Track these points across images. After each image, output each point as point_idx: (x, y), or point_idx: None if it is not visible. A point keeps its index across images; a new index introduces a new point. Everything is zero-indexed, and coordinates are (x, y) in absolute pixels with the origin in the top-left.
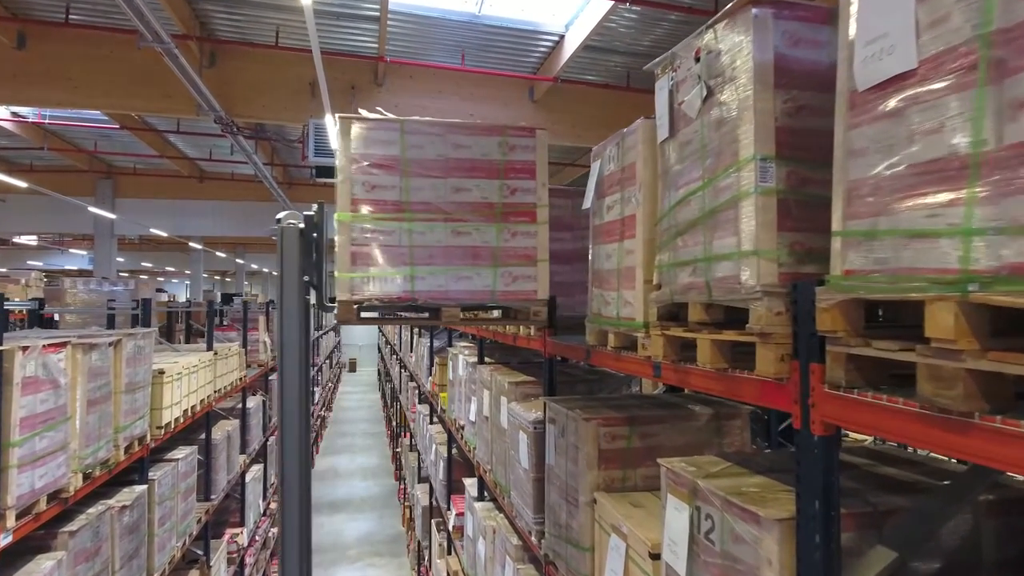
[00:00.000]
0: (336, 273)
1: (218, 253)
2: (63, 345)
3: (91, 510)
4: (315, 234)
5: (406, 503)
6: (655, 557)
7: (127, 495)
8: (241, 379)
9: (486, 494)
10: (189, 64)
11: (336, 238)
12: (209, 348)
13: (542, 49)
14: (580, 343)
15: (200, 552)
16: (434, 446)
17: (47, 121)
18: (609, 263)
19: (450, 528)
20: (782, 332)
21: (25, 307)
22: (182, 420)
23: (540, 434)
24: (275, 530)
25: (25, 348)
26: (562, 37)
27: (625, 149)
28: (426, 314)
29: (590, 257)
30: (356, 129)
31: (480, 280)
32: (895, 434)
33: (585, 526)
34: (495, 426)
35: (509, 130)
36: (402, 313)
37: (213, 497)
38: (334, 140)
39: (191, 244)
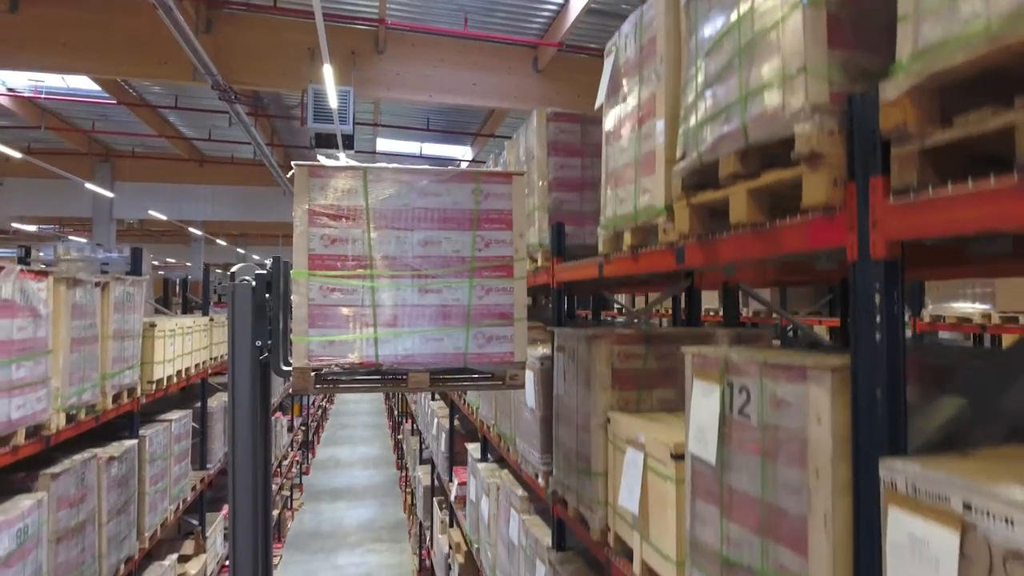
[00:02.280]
0: (292, 336)
1: (219, 241)
2: (44, 275)
3: (76, 456)
4: (268, 294)
5: (407, 489)
6: (678, 458)
7: (115, 448)
8: None
9: (489, 455)
10: (186, 25)
11: (292, 298)
12: (205, 314)
13: (546, 13)
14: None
15: (196, 523)
16: (435, 420)
17: (43, 96)
18: (624, 157)
19: (452, 499)
20: (834, 153)
21: (6, 255)
22: (175, 380)
23: (547, 371)
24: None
25: (1, 268)
26: (567, 0)
27: (644, 26)
28: (391, 380)
29: (603, 162)
30: (314, 177)
31: (451, 342)
32: (984, 221)
33: (597, 450)
34: None
35: (483, 176)
36: (364, 380)
37: (209, 466)
38: (333, 99)
39: (191, 230)
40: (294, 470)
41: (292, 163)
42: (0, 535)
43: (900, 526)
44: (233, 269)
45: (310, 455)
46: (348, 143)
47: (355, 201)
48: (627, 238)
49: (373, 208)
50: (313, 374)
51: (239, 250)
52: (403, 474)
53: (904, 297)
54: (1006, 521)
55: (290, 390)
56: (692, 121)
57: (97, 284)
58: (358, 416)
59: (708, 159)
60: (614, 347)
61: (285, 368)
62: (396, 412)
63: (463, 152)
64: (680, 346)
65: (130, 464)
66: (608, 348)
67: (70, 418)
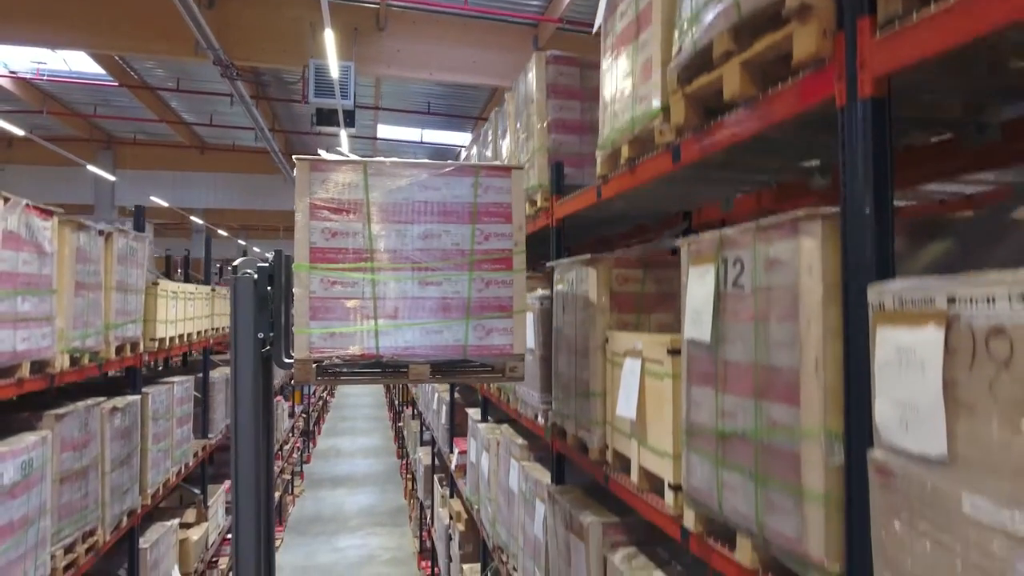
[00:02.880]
0: (294, 329)
1: (220, 231)
2: (49, 214)
3: (80, 402)
4: (269, 287)
5: (408, 476)
6: (674, 352)
7: (119, 400)
8: None
9: (489, 417)
10: None
11: (294, 290)
12: (207, 283)
13: None
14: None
15: (197, 492)
16: (436, 395)
17: (45, 78)
18: (622, 72)
19: (452, 469)
20: (822, 5)
21: None
22: (178, 344)
23: (547, 310)
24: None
25: (6, 199)
26: None
27: None
28: (392, 372)
29: (601, 88)
30: (315, 171)
31: (451, 334)
32: (964, 32)
33: (596, 371)
34: None
35: (483, 170)
36: (365, 372)
37: (211, 436)
38: (335, 67)
39: (193, 219)
40: (295, 456)
41: (293, 157)
42: (6, 464)
43: (887, 343)
44: (235, 263)
45: (311, 445)
46: (349, 120)
47: (356, 195)
48: (624, 151)
49: (374, 202)
50: (315, 366)
51: (240, 242)
52: (404, 462)
53: (892, 140)
54: (988, 301)
55: (292, 382)
56: (687, 13)
57: (101, 232)
58: (359, 408)
59: (702, 44)
60: (612, 270)
61: (287, 360)
62: (397, 402)
63: (464, 139)
64: (676, 271)
65: (133, 417)
66: (607, 271)
67: (74, 361)
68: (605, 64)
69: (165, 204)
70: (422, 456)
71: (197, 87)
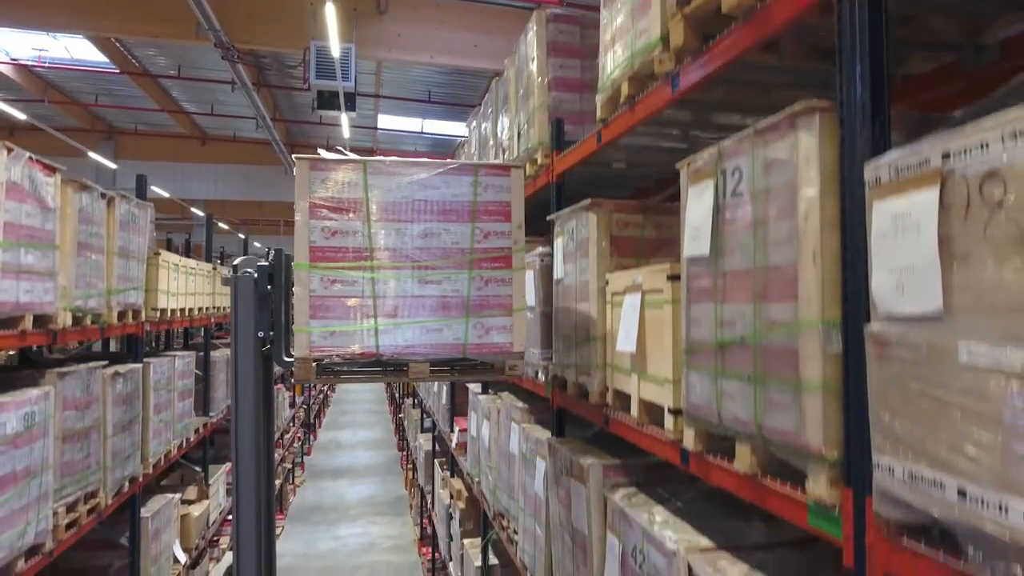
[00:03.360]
0: (294, 327)
1: (220, 224)
2: (52, 170)
3: (82, 365)
4: (269, 286)
5: (408, 466)
6: (674, 278)
7: (121, 367)
8: None
9: (490, 390)
10: None
11: (294, 289)
12: (208, 261)
13: None
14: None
15: (199, 470)
16: None
17: (46, 66)
18: (622, 12)
19: (453, 448)
20: None
21: None
22: (179, 316)
23: (547, 267)
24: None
25: (10, 150)
26: None
27: None
28: (391, 370)
29: (601, 32)
30: (315, 171)
31: (450, 332)
32: None
33: (596, 315)
34: None
35: (482, 169)
36: (365, 370)
37: (212, 414)
38: (336, 46)
39: (193, 210)
40: (296, 446)
41: (293, 156)
42: (9, 414)
43: (883, 214)
44: (235, 262)
45: (312, 437)
46: (350, 104)
47: (355, 193)
48: (624, 89)
49: (373, 200)
50: (315, 364)
51: (240, 235)
52: (404, 454)
53: (890, 30)
54: (981, 147)
55: (292, 380)
56: None
57: (103, 195)
58: (359, 403)
59: None
60: (612, 215)
61: (287, 359)
62: (397, 395)
63: (465, 130)
64: (676, 218)
65: (134, 384)
66: (607, 216)
67: (76, 320)
68: (605, 12)
69: (166, 195)
70: (422, 442)
71: (198, 74)
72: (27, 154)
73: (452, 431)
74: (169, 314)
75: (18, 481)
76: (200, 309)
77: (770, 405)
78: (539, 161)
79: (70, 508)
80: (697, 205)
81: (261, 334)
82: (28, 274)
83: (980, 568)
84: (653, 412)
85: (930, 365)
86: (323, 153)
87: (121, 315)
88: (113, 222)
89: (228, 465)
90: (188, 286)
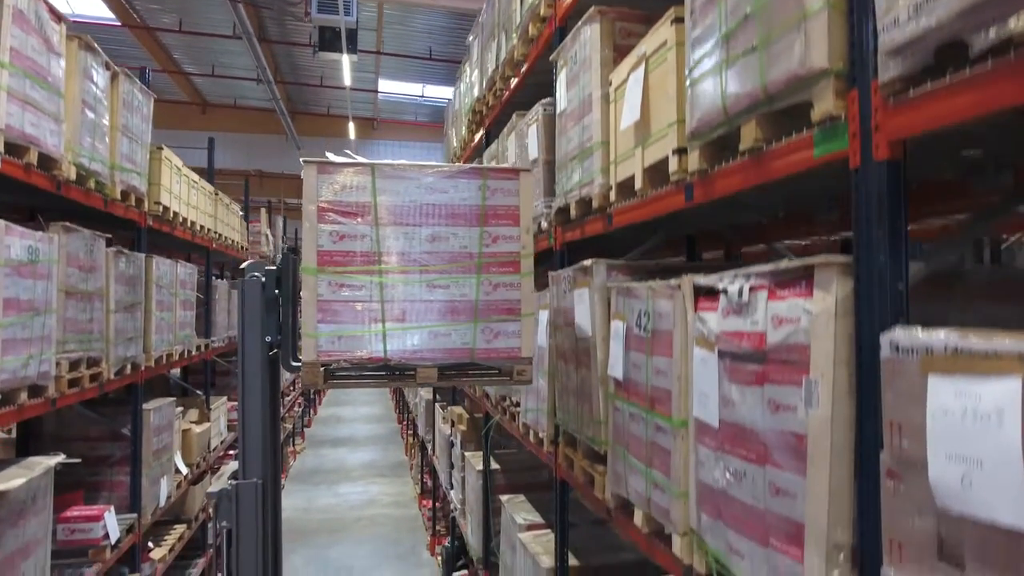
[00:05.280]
0: (302, 332)
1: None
2: (60, 18)
3: (86, 230)
4: (277, 290)
5: (408, 433)
6: (678, 21)
7: (124, 250)
8: (242, 248)
9: None
10: None
11: (302, 293)
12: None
13: None
14: None
15: (200, 393)
16: None
17: None
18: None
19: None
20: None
21: None
22: (180, 226)
23: (550, 116)
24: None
25: None
26: None
27: None
28: (399, 375)
29: None
30: (323, 174)
31: (458, 337)
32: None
33: (597, 123)
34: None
35: (490, 173)
36: (373, 375)
37: (214, 339)
38: None
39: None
40: (296, 409)
41: (301, 159)
42: (13, 239)
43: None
44: (243, 266)
45: (312, 412)
46: (351, 46)
47: (363, 197)
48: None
49: (381, 204)
50: (322, 369)
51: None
52: (403, 425)
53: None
54: None
55: (301, 384)
56: None
57: (107, 67)
58: None
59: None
60: (615, 23)
61: (294, 363)
62: None
63: None
64: None
65: (137, 269)
66: (609, 24)
67: (80, 179)
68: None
69: None
70: (422, 394)
71: (199, 28)
72: None
73: None
74: (172, 216)
75: (22, 310)
76: (202, 227)
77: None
78: (541, 12)
79: (73, 366)
80: (704, 371)
81: (268, 338)
82: (34, 108)
83: None
84: (658, 173)
85: None
86: (331, 156)
87: (124, 195)
88: (117, 98)
89: (232, 405)
90: (191, 197)
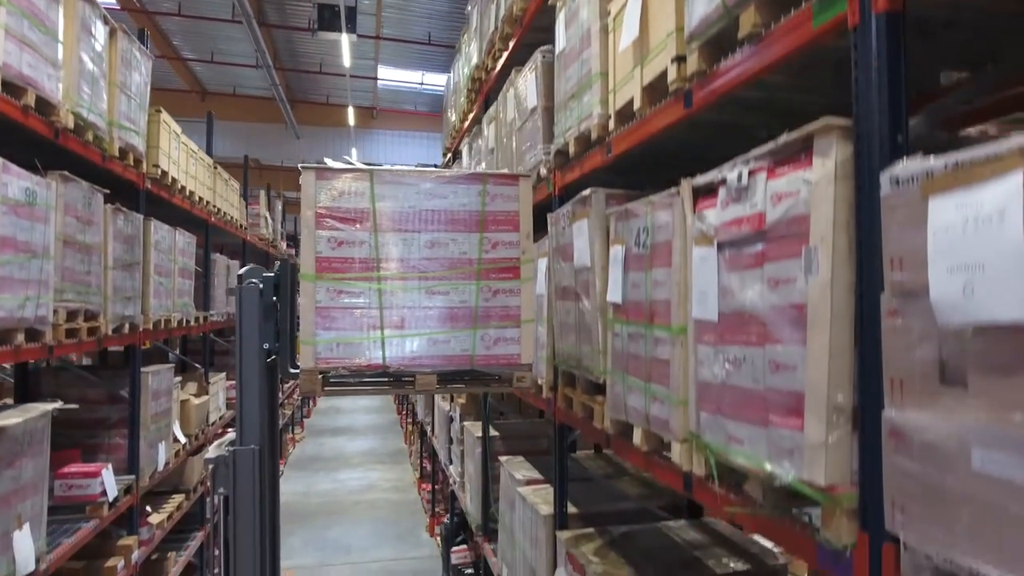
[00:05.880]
0: (300, 339)
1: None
2: None
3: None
4: (275, 297)
5: (407, 421)
6: None
7: (122, 208)
8: (241, 226)
9: None
10: None
11: (300, 300)
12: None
13: None
14: None
15: (199, 366)
16: None
17: None
18: None
19: None
20: None
21: None
22: (179, 194)
23: (548, 63)
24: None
25: None
26: None
27: None
28: (398, 382)
29: None
30: (321, 180)
31: (458, 344)
32: None
33: (594, 60)
34: (509, 136)
35: (490, 178)
36: (372, 382)
37: (212, 312)
38: None
39: None
40: (295, 397)
41: (299, 165)
42: (11, 177)
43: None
44: (240, 272)
45: (312, 403)
46: (351, 25)
47: (362, 203)
48: None
49: (380, 210)
50: (320, 376)
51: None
52: (402, 415)
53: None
54: None
55: (299, 392)
56: None
57: (105, 21)
58: None
59: None
60: None
61: (292, 370)
62: None
63: None
64: None
65: (135, 229)
66: None
67: (79, 130)
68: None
69: None
70: None
71: (198, 12)
72: None
73: None
74: (170, 182)
75: (19, 250)
76: (200, 199)
77: None
78: None
79: (71, 316)
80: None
81: (267, 346)
82: (32, 49)
83: None
84: (656, 90)
85: None
86: (329, 162)
87: (123, 153)
88: (115, 54)
89: (231, 384)
90: (189, 166)
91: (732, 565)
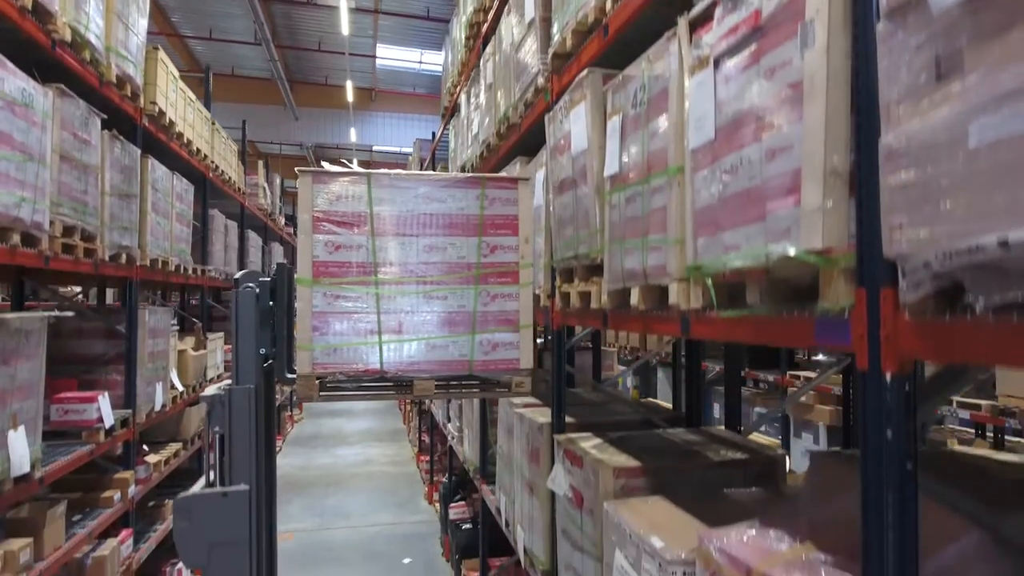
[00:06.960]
0: (297, 344)
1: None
2: None
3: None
4: (271, 302)
5: (407, 405)
6: None
7: (120, 137)
8: (239, 190)
9: None
10: None
11: (297, 305)
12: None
13: None
14: None
15: (197, 321)
16: None
17: None
18: None
19: None
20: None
21: None
22: (177, 141)
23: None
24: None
25: None
26: None
27: None
28: (396, 387)
29: None
30: (318, 184)
31: (456, 349)
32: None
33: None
34: (507, 64)
35: (489, 182)
36: (370, 387)
37: (210, 268)
38: None
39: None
40: None
41: (296, 169)
42: (7, 77)
43: None
44: (236, 276)
45: None
46: None
47: (359, 207)
48: None
49: (377, 214)
50: (317, 382)
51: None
52: (401, 401)
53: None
54: None
55: (296, 397)
56: None
57: None
58: None
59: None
60: None
61: (289, 376)
62: None
63: None
64: None
65: (132, 161)
66: None
67: (75, 45)
68: None
69: None
70: None
71: None
72: None
73: None
74: (168, 124)
75: (15, 148)
76: (199, 150)
77: None
78: None
79: (67, 232)
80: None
81: (263, 351)
82: None
83: None
84: None
85: None
86: (327, 166)
87: (120, 83)
88: None
89: (229, 348)
90: (187, 114)
91: (730, 455)
